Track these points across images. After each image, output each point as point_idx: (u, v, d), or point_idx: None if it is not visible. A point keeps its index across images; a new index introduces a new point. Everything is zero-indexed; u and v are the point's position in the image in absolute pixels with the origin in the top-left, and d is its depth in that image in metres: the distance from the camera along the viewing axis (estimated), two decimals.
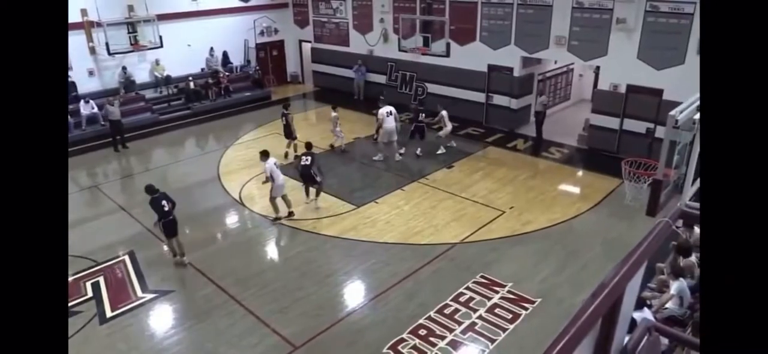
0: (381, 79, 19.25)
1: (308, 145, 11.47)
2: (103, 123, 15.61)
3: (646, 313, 5.74)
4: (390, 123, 13.17)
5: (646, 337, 2.89)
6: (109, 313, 7.98)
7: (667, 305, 6.47)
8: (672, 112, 4.48)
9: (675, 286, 6.44)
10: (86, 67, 16.91)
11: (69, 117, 14.95)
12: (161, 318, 7.95)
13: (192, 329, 7.59)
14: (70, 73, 16.20)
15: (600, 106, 14.08)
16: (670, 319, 6.29)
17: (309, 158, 11.04)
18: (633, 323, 3.28)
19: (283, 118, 14.06)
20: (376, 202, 11.36)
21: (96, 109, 16.01)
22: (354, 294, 8.47)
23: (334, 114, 14.15)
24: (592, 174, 12.75)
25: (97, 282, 8.74)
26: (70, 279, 8.74)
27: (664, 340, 4.75)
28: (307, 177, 11.17)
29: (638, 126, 13.31)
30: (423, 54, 17.30)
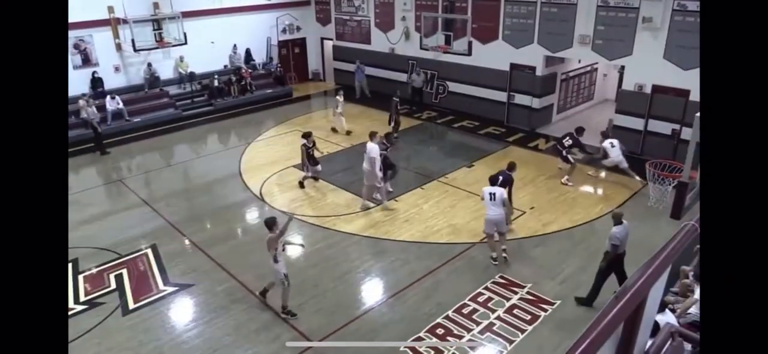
0: (402, 77, 19.21)
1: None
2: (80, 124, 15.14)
3: (669, 317, 5.62)
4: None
5: (669, 342, 2.84)
6: (131, 305, 8.13)
7: (690, 310, 6.33)
8: (699, 114, 4.38)
9: (699, 290, 6.30)
10: (112, 64, 17.25)
11: (96, 111, 15.23)
12: (182, 311, 8.06)
13: (211, 323, 7.67)
14: (96, 69, 16.60)
15: (624, 106, 13.85)
16: (694, 324, 6.15)
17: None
18: (656, 327, 3.22)
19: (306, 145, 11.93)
20: (396, 200, 11.34)
21: (121, 105, 16.41)
22: (372, 291, 8.47)
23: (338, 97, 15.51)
24: (615, 175, 12.53)
25: (121, 274, 8.90)
26: (94, 271, 8.94)
27: (687, 346, 4.66)
28: None
29: (664, 127, 13.06)
30: (444, 52, 17.21)
